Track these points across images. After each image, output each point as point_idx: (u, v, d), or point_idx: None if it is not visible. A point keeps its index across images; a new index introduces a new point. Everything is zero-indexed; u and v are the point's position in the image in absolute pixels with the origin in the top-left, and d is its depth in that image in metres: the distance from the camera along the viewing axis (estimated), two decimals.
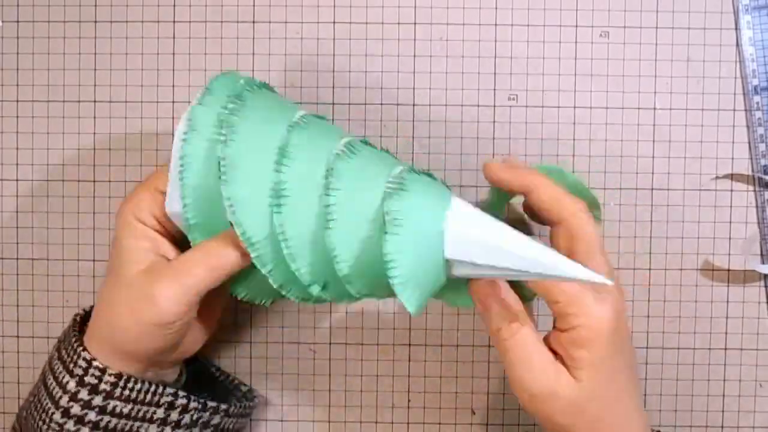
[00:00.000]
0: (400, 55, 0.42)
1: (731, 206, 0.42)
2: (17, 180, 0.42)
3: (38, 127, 0.42)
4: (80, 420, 0.33)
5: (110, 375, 0.33)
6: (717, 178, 0.42)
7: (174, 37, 0.42)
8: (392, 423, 0.43)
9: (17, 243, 0.43)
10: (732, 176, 0.42)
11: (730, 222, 0.42)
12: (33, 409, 0.35)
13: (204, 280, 0.33)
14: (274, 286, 0.33)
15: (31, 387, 0.37)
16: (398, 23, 0.42)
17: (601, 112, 0.42)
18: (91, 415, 0.33)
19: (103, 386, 0.33)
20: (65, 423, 0.33)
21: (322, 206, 0.31)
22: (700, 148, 0.42)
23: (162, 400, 0.35)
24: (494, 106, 0.42)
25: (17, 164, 0.42)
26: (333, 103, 0.42)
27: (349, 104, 0.42)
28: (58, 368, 0.34)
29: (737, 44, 0.41)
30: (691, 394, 0.42)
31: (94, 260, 0.42)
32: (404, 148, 0.42)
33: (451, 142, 0.42)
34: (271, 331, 0.43)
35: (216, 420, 0.37)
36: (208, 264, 0.33)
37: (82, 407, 0.33)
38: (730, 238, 0.42)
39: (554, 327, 0.32)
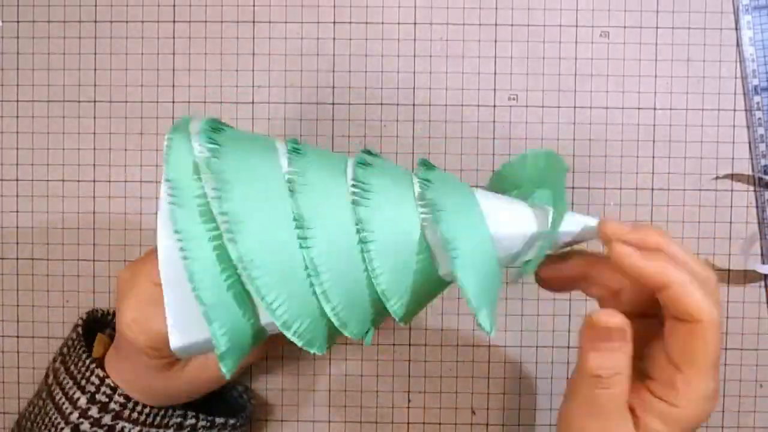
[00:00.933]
0: (400, 55, 0.42)
1: (731, 206, 0.42)
2: (17, 180, 0.42)
3: (38, 127, 0.42)
4: None
5: (120, 395, 0.33)
6: (717, 178, 0.42)
7: (174, 37, 0.42)
8: (392, 423, 0.43)
9: (17, 243, 0.43)
10: (732, 176, 0.42)
11: (730, 222, 0.42)
12: (39, 421, 0.34)
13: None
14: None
15: (31, 387, 0.36)
16: (398, 23, 0.42)
17: (601, 112, 0.42)
18: None
19: (112, 405, 0.33)
20: None
21: (355, 245, 0.28)
22: (700, 148, 0.42)
23: (171, 422, 0.35)
24: (494, 106, 0.42)
25: (17, 164, 0.42)
26: (333, 103, 0.42)
27: (349, 104, 0.42)
28: (67, 383, 0.34)
29: (737, 44, 0.41)
30: None
31: (94, 260, 0.42)
32: (404, 148, 0.42)
33: (451, 142, 0.42)
34: None
35: None
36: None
37: (92, 425, 0.33)
38: (730, 238, 0.42)
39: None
